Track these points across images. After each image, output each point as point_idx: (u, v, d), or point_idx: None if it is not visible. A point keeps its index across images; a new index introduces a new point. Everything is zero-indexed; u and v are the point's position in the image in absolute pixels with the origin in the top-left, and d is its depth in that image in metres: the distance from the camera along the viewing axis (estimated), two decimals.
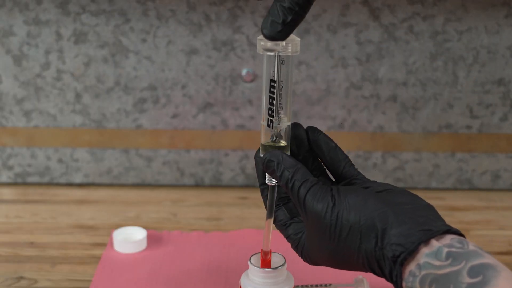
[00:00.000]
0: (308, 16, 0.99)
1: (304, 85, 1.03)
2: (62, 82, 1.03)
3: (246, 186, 1.09)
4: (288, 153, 0.60)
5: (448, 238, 0.52)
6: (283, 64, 0.58)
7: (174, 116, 1.05)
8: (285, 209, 0.62)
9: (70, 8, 0.99)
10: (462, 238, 0.53)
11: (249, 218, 0.98)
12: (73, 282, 0.80)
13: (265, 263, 0.62)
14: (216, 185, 1.09)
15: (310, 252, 0.59)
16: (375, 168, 1.08)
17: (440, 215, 0.55)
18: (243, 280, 0.64)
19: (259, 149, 0.61)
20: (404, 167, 1.08)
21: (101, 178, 1.08)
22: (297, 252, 0.61)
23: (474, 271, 0.49)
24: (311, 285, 0.74)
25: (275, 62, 0.57)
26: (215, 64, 1.02)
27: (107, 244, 0.88)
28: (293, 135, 0.61)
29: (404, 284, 0.52)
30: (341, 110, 1.04)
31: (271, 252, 0.63)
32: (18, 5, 0.99)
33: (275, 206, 0.61)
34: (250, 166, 1.08)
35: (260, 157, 0.60)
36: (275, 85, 0.58)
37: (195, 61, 1.02)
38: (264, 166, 0.59)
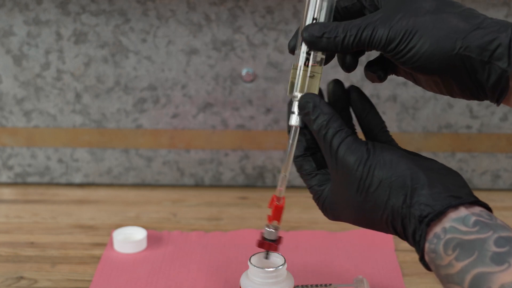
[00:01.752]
0: None
1: None
2: (62, 82, 1.03)
3: (246, 186, 1.09)
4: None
5: (478, 209, 0.52)
6: None
7: (174, 116, 1.05)
8: (312, 160, 0.59)
9: (70, 8, 0.99)
10: (490, 212, 0.52)
11: (249, 218, 0.98)
12: (73, 282, 0.80)
13: (277, 208, 0.60)
14: (216, 185, 1.09)
15: (332, 205, 0.58)
16: None
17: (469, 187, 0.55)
18: (243, 280, 0.64)
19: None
20: None
21: (101, 178, 1.08)
22: (317, 205, 0.59)
23: (501, 242, 0.49)
24: (311, 285, 0.74)
25: None
26: (215, 64, 1.02)
27: (107, 244, 0.88)
28: (332, 91, 0.60)
29: (426, 245, 0.52)
30: None
31: (284, 198, 0.60)
32: (18, 5, 0.99)
33: (302, 156, 0.59)
34: (250, 166, 1.08)
35: (294, 96, 0.58)
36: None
37: (195, 61, 1.02)
38: (299, 106, 0.57)
